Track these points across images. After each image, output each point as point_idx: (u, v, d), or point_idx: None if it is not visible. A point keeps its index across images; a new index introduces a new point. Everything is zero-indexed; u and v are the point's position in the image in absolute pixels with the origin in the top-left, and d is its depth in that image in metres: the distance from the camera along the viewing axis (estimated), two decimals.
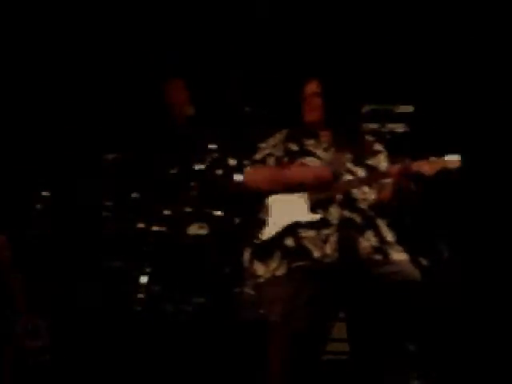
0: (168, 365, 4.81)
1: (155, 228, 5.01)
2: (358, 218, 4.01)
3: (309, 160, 4.14)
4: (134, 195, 5.06)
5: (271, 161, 4.25)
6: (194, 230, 5.00)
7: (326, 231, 3.95)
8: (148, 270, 4.95)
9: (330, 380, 4.89)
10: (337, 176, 4.00)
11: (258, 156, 4.31)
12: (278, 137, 4.30)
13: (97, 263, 4.99)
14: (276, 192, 4.12)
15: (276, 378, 3.85)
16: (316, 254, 3.91)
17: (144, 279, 4.93)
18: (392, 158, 4.19)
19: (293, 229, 3.98)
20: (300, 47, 5.53)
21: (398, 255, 3.96)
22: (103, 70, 5.61)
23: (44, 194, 5.00)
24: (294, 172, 4.07)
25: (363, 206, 4.06)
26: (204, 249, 4.99)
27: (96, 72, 5.60)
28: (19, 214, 4.96)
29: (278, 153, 4.23)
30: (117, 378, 4.76)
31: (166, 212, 5.02)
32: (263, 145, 4.32)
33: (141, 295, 4.91)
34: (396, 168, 4.00)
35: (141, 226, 5.01)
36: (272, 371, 3.88)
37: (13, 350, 4.59)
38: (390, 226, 4.08)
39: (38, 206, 5.00)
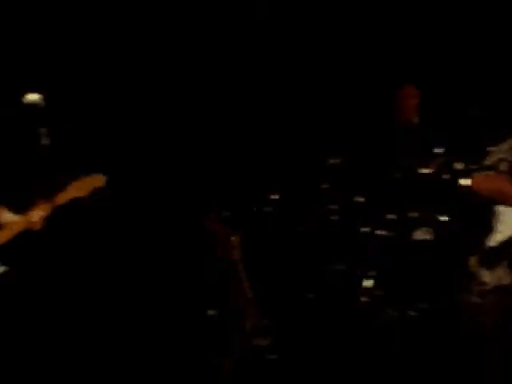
0: (388, 367, 4.81)
1: (380, 232, 5.02)
2: None
3: None
4: (358, 199, 5.10)
5: (503, 166, 4.10)
6: (420, 234, 4.97)
7: None
8: (372, 273, 4.97)
9: None
10: None
11: (488, 161, 4.18)
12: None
13: (321, 265, 5.08)
14: (504, 204, 4.00)
15: None
16: None
17: (368, 283, 4.96)
18: None
19: None
20: None
21: None
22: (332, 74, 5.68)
23: (273, 197, 5.15)
24: None
25: None
26: (429, 254, 4.95)
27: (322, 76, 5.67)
28: (250, 216, 5.14)
29: None
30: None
31: (391, 216, 5.02)
32: (495, 149, 4.20)
33: (365, 299, 4.94)
34: None
35: (365, 229, 5.05)
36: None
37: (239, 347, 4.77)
38: None
39: (268, 209, 5.16)
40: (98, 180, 4.30)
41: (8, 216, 4.26)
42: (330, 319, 4.99)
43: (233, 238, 4.90)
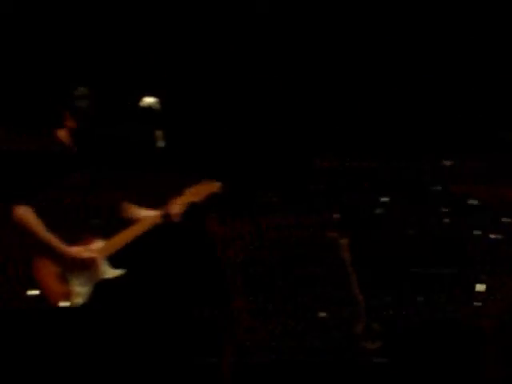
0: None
1: (492, 235, 4.94)
2: None
3: None
4: (471, 202, 5.02)
5: None
6: None
7: None
8: (484, 277, 4.89)
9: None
10: None
11: None
12: None
13: (431, 268, 5.02)
14: None
15: None
16: None
17: (481, 287, 4.88)
18: None
19: None
20: None
21: None
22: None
23: (383, 199, 5.10)
24: None
25: None
26: None
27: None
28: (362, 217, 5.10)
29: None
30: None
31: (505, 219, 4.93)
32: None
33: (477, 303, 4.86)
34: None
35: (477, 232, 4.96)
36: None
37: None
38: None
39: (378, 211, 5.11)
40: (213, 186, 4.32)
41: (142, 212, 4.31)
42: (439, 323, 4.93)
43: (343, 240, 4.88)
